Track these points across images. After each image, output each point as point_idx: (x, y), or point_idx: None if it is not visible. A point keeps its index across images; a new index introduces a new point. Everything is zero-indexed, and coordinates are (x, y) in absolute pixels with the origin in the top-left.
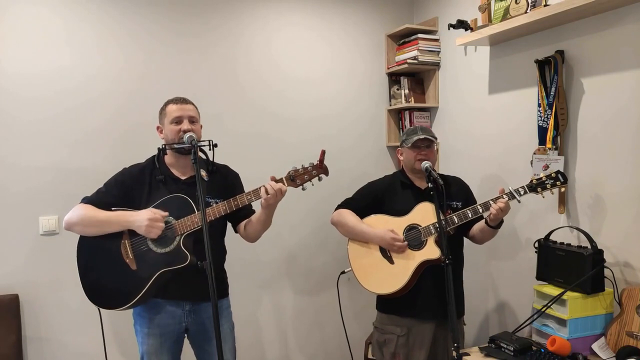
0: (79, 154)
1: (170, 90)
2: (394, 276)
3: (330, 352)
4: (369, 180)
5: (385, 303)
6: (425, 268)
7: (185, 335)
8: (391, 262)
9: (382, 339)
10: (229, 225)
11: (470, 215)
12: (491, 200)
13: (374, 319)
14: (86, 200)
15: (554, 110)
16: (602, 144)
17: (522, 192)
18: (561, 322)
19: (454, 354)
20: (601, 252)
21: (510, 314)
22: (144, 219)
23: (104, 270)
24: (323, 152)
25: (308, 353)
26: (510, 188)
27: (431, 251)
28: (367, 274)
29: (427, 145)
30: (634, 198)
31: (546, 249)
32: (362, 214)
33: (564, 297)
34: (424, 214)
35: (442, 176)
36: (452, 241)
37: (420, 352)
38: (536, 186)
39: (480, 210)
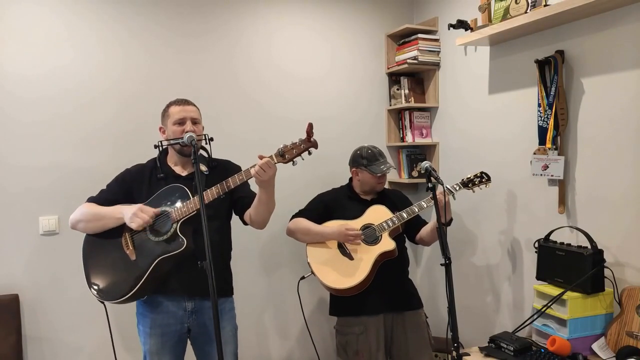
0: (80, 155)
1: (171, 90)
2: (354, 271)
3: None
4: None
5: (339, 307)
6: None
7: (188, 336)
8: (350, 258)
9: (343, 341)
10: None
11: (416, 210)
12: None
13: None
14: (90, 199)
15: (554, 110)
16: (602, 144)
17: (457, 188)
18: (561, 322)
19: (454, 353)
20: (601, 252)
21: (510, 314)
22: (132, 209)
23: (106, 263)
24: (310, 125)
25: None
26: (447, 186)
27: (387, 244)
28: (327, 272)
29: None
30: (634, 198)
31: (546, 249)
32: (316, 222)
33: (564, 297)
34: (377, 214)
35: (384, 190)
36: (400, 240)
37: (379, 345)
38: (467, 183)
39: (425, 205)
